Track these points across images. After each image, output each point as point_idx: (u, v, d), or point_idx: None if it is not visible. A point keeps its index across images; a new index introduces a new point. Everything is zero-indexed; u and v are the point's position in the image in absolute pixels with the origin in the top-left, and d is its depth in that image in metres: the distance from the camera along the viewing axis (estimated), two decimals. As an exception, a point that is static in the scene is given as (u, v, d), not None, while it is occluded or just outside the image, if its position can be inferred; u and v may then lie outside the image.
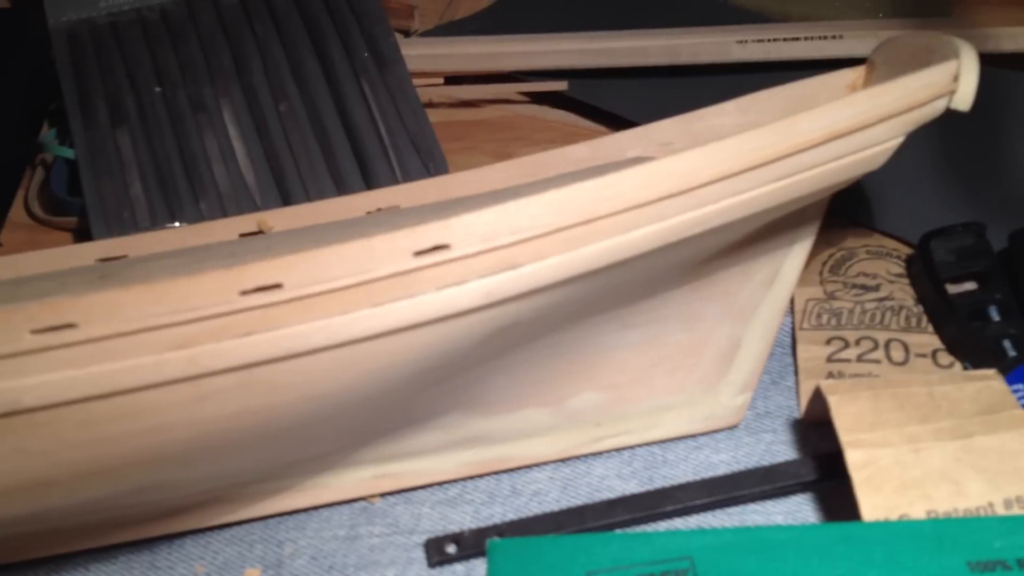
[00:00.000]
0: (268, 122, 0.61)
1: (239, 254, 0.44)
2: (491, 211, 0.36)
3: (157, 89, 0.62)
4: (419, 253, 0.35)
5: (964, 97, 0.40)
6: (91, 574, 0.42)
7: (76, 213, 0.57)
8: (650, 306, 0.44)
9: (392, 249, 0.35)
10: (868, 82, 0.48)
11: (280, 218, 0.51)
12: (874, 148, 0.39)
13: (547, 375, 0.44)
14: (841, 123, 0.38)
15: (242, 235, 0.51)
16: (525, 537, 0.40)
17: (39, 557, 0.42)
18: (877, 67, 0.48)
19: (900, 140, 0.40)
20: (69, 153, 0.58)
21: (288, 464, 0.43)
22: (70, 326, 0.33)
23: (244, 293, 0.34)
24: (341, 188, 0.59)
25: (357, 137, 0.60)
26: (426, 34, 0.71)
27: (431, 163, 0.60)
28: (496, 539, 0.39)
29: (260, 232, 0.51)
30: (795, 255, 0.45)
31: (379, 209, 0.52)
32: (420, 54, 0.66)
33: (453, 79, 0.67)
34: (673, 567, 0.37)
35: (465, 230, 0.36)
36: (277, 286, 0.35)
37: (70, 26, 0.65)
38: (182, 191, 0.57)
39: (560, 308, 0.40)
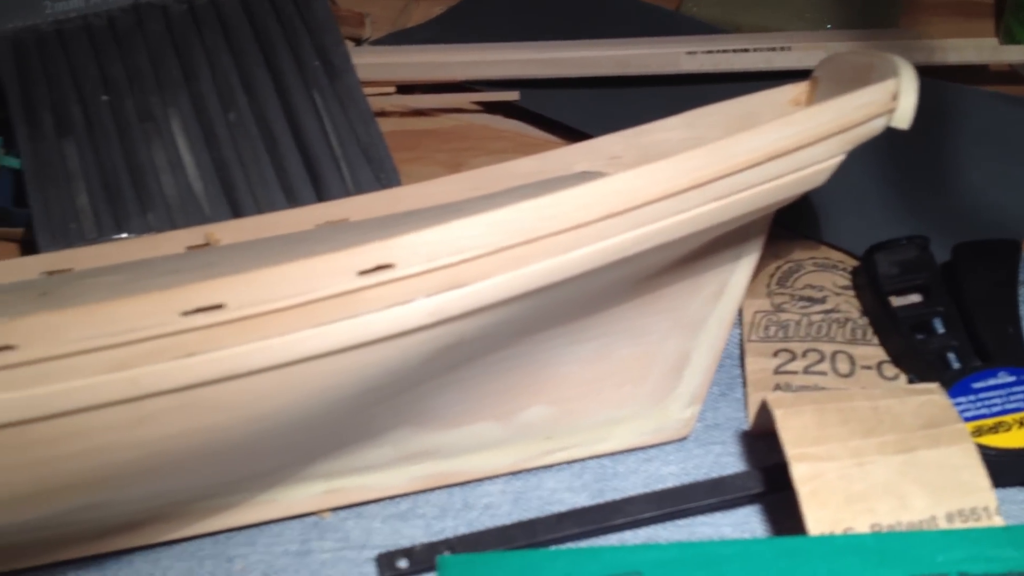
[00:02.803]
0: (217, 132, 0.60)
1: (183, 270, 0.43)
2: (435, 230, 0.36)
3: (104, 98, 0.61)
4: (363, 272, 0.35)
5: (903, 116, 0.40)
6: (34, 591, 0.42)
7: (22, 224, 0.56)
8: (598, 321, 0.44)
9: (335, 269, 0.35)
10: (811, 98, 0.49)
11: (228, 231, 0.51)
12: (815, 166, 0.40)
13: (496, 390, 0.44)
14: (781, 143, 0.38)
15: (189, 247, 0.51)
16: (474, 553, 0.40)
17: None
18: (820, 83, 0.48)
19: (841, 158, 0.41)
20: (15, 163, 0.58)
21: (235, 481, 0.42)
22: (9, 348, 0.33)
23: (186, 314, 0.34)
24: (291, 199, 0.58)
25: (307, 148, 0.60)
26: (377, 42, 0.71)
27: (382, 174, 0.60)
28: (446, 555, 0.39)
29: (207, 245, 0.51)
30: (741, 269, 0.46)
31: (328, 222, 0.51)
32: (371, 63, 0.66)
33: (405, 88, 0.67)
34: (620, 582, 0.37)
35: (410, 249, 0.36)
36: (219, 307, 0.34)
37: (15, 33, 0.64)
38: (129, 202, 0.57)
39: (506, 325, 0.40)
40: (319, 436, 0.41)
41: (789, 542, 0.39)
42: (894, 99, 0.40)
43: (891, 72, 0.41)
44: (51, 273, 0.49)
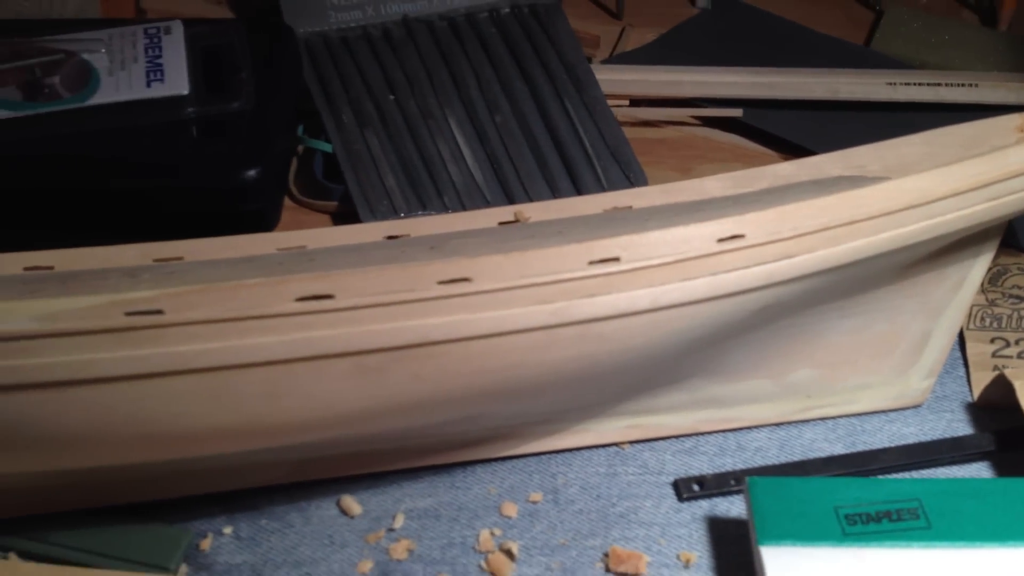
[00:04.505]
0: (487, 131, 0.70)
1: (541, 235, 0.52)
2: (776, 209, 0.45)
3: (391, 97, 0.71)
4: (720, 240, 0.45)
5: None
6: (403, 490, 0.51)
7: (336, 199, 0.66)
8: (863, 299, 0.53)
9: (701, 235, 0.45)
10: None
11: (534, 210, 0.60)
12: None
13: (776, 352, 0.53)
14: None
15: (500, 223, 0.60)
16: (778, 477, 0.49)
17: (360, 474, 0.51)
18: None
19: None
20: (327, 147, 0.68)
21: (568, 410, 0.52)
22: (466, 280, 0.42)
23: (591, 263, 0.44)
24: (554, 191, 0.68)
25: (563, 147, 0.70)
26: (604, 62, 0.81)
27: (631, 173, 0.69)
28: (755, 477, 0.48)
29: (517, 221, 0.60)
30: (979, 265, 0.55)
31: (615, 207, 0.61)
32: (608, 78, 0.76)
33: (635, 101, 0.76)
34: (906, 506, 0.46)
35: (756, 224, 0.45)
36: (616, 259, 0.44)
37: (306, 37, 0.74)
38: (426, 185, 0.67)
39: (808, 294, 0.49)
40: (643, 376, 0.50)
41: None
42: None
43: None
44: (391, 237, 0.59)
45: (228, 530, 0.49)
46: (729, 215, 0.45)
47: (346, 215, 0.66)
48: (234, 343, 0.41)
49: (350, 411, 0.45)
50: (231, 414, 0.43)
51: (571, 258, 0.44)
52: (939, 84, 0.76)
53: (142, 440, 0.44)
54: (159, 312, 0.40)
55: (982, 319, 0.60)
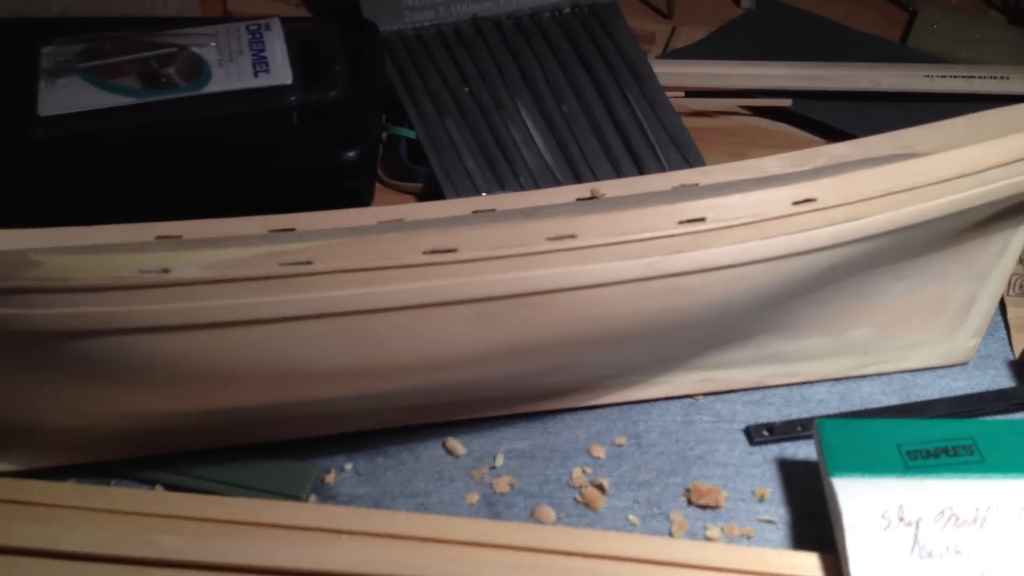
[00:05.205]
0: (555, 119, 0.76)
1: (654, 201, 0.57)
2: (844, 176, 0.51)
3: (466, 89, 0.77)
4: (796, 203, 0.50)
5: None
6: (501, 434, 0.57)
7: (421, 180, 0.72)
8: (916, 263, 0.58)
9: (778, 199, 0.50)
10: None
11: (608, 188, 0.66)
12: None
13: (837, 311, 0.58)
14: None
15: (578, 199, 0.66)
16: (845, 419, 0.55)
17: (461, 419, 0.57)
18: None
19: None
20: (410, 133, 0.73)
21: (648, 363, 0.57)
22: (572, 236, 0.48)
23: (680, 223, 0.49)
24: (620, 174, 0.73)
25: (626, 133, 0.76)
26: (658, 58, 0.86)
27: (690, 157, 0.75)
28: (824, 420, 0.54)
29: (593, 197, 0.66)
30: (1020, 233, 0.60)
31: (682, 184, 0.66)
32: (664, 72, 0.81)
33: (690, 93, 0.82)
34: (961, 443, 0.51)
35: (829, 189, 0.51)
36: (703, 219, 0.49)
37: (385, 35, 0.80)
38: (503, 167, 0.72)
39: (869, 255, 0.54)
40: (719, 330, 0.56)
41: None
42: None
43: None
44: (477, 212, 0.64)
45: (349, 466, 0.55)
46: (801, 182, 0.51)
47: (430, 195, 0.71)
48: (372, 290, 0.47)
49: (467, 354, 0.50)
50: (365, 355, 0.49)
51: (663, 218, 0.49)
52: (973, 76, 0.82)
53: (285, 379, 0.49)
54: (309, 263, 0.46)
55: (1020, 287, 0.65)
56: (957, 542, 0.48)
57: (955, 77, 0.82)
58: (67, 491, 0.52)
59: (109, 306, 0.45)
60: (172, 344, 0.47)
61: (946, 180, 0.52)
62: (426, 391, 0.54)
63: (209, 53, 0.68)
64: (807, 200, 0.51)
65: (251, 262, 0.45)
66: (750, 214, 0.50)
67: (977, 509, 0.49)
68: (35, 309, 0.45)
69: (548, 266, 0.48)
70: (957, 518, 0.49)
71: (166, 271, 0.45)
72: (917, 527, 0.49)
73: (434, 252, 0.47)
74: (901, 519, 0.49)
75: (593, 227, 0.48)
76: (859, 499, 0.50)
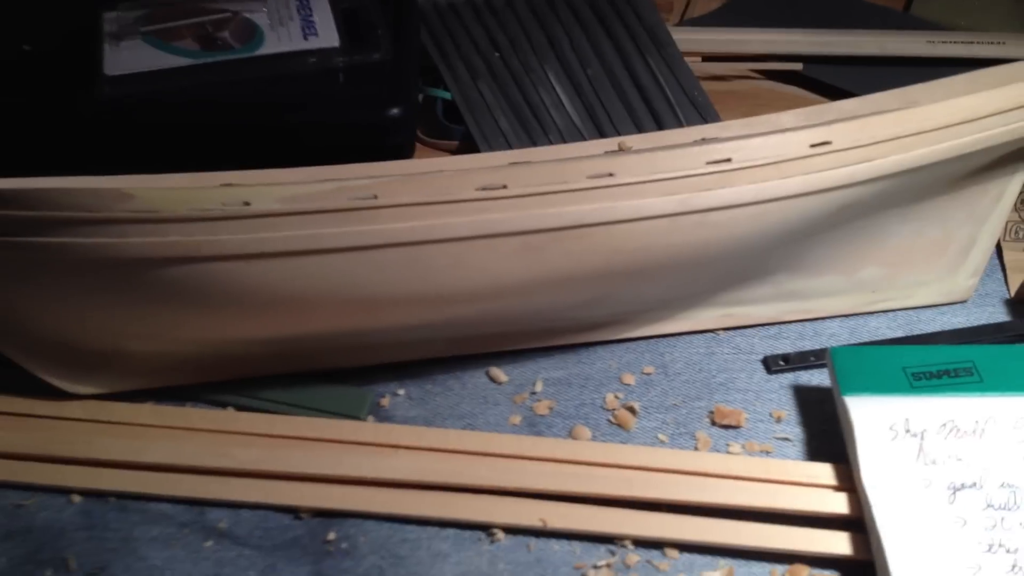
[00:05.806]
0: (581, 83, 0.81)
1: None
2: (858, 121, 0.56)
3: (496, 55, 0.82)
4: (813, 145, 0.55)
5: None
6: (538, 363, 0.62)
7: (457, 138, 0.77)
8: (920, 207, 0.63)
9: (797, 141, 0.55)
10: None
11: (634, 141, 0.71)
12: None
13: (848, 251, 0.63)
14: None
15: (607, 152, 0.70)
16: (856, 345, 0.60)
17: (502, 351, 0.62)
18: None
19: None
20: (446, 95, 0.78)
21: (674, 298, 0.62)
22: (610, 175, 0.53)
23: (708, 163, 0.54)
24: (642, 132, 0.78)
25: (647, 96, 0.80)
26: (676, 25, 0.91)
27: (707, 116, 0.80)
28: (835, 347, 0.59)
29: (620, 150, 0.71)
30: (1016, 180, 0.65)
31: (703, 138, 0.71)
32: (682, 38, 0.86)
33: (707, 58, 0.87)
34: (962, 366, 0.56)
35: (843, 133, 0.55)
36: (728, 160, 0.54)
37: (420, 3, 0.85)
38: (534, 126, 0.77)
39: (879, 196, 0.59)
40: (742, 266, 0.61)
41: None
42: None
43: None
44: (514, 164, 0.69)
45: (401, 392, 0.60)
46: (816, 126, 0.56)
47: (466, 152, 0.76)
48: (430, 223, 0.52)
49: (514, 283, 0.55)
50: (422, 283, 0.54)
51: (692, 159, 0.54)
52: (972, 42, 0.87)
53: (348, 306, 0.54)
54: (374, 196, 0.51)
55: (1015, 232, 0.70)
56: (958, 451, 0.53)
57: (955, 43, 0.86)
58: (146, 412, 0.58)
59: (195, 236, 0.50)
60: (250, 272, 0.52)
61: (950, 125, 0.57)
62: (473, 322, 0.59)
63: (261, 18, 0.73)
64: (823, 143, 0.55)
65: (323, 196, 0.50)
66: (772, 155, 0.55)
67: (976, 422, 0.54)
68: (128, 238, 0.50)
69: (588, 202, 0.53)
70: (958, 430, 0.54)
71: (247, 204, 0.50)
72: (922, 438, 0.54)
73: (486, 188, 0.52)
74: (907, 431, 0.54)
75: (629, 167, 0.53)
76: (869, 414, 0.55)
